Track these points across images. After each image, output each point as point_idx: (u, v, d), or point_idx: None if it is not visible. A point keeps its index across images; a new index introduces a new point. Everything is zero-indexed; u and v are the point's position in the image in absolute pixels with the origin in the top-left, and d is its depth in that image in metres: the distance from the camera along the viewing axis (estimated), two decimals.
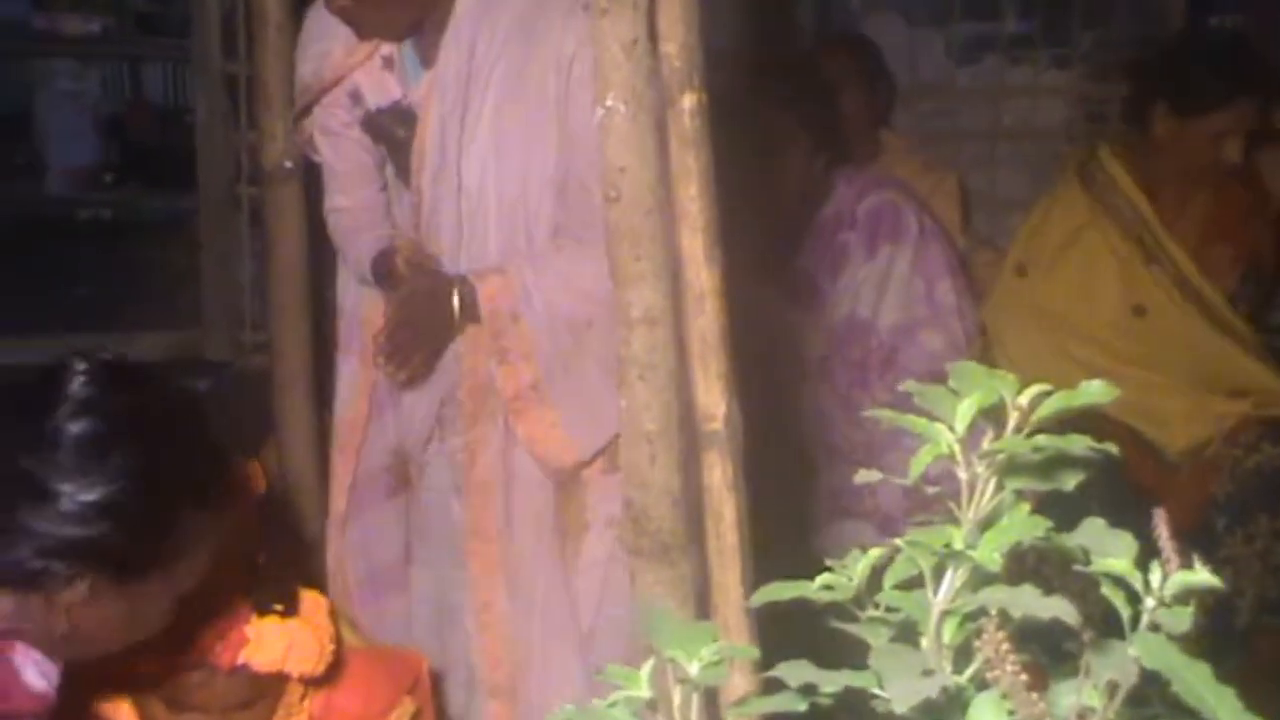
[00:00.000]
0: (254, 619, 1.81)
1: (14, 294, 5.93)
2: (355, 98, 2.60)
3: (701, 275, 1.70)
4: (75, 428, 1.56)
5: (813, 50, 4.32)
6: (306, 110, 2.66)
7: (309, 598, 1.82)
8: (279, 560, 1.76)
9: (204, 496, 1.63)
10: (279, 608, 1.78)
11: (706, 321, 1.72)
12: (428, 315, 2.45)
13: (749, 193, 2.41)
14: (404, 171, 2.59)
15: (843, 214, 3.48)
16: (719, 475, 1.74)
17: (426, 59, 2.53)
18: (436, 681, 2.37)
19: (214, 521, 1.63)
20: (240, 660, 1.85)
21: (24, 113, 7.68)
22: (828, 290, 3.48)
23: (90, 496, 1.53)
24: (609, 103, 1.61)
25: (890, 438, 3.32)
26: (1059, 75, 5.19)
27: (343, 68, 2.58)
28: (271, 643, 1.81)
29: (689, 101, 1.63)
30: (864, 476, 0.96)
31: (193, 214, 5.55)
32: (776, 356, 3.36)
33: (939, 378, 3.05)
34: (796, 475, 3.37)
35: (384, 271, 2.55)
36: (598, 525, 2.58)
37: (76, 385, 1.58)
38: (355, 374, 2.70)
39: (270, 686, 1.91)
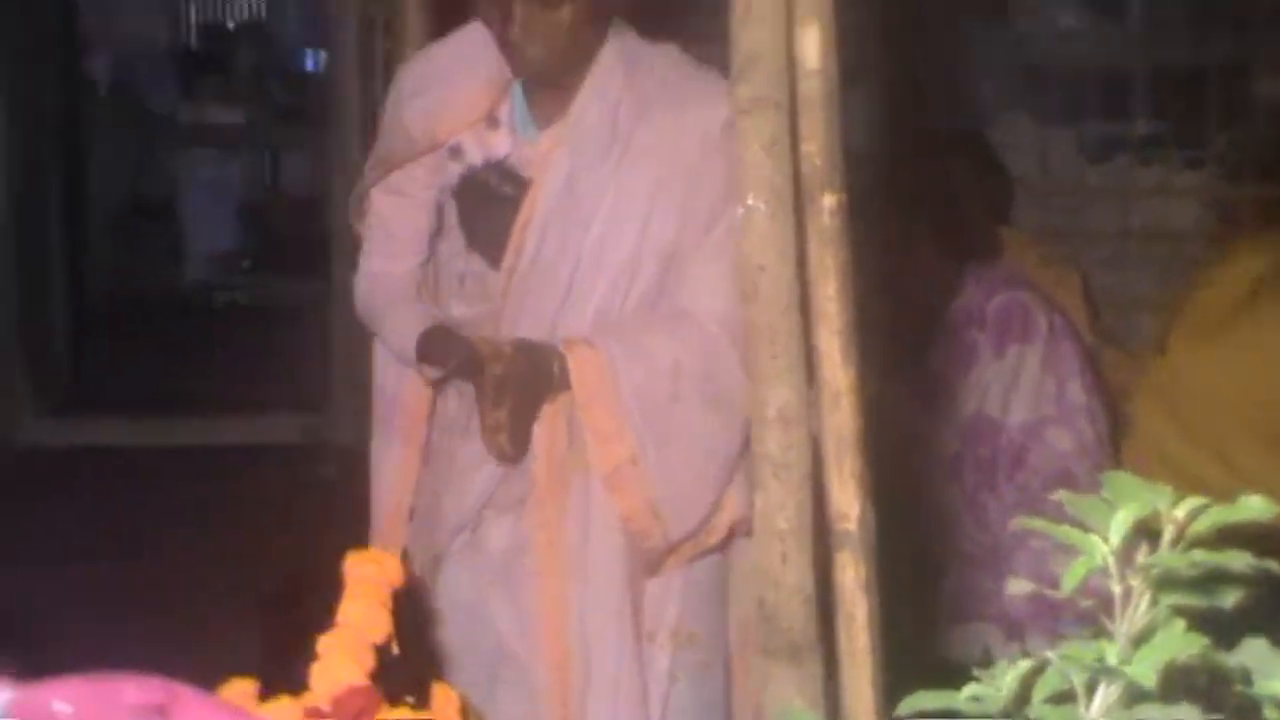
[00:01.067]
0: (385, 709, 1.81)
1: (154, 374, 6.08)
2: (455, 153, 2.52)
3: (838, 374, 1.69)
4: None
5: (931, 148, 4.33)
6: (393, 167, 2.56)
7: (440, 690, 1.81)
8: (410, 650, 1.76)
9: None
10: (410, 700, 1.78)
11: (842, 420, 1.70)
12: (533, 390, 2.38)
13: (879, 290, 2.40)
14: (484, 236, 2.51)
15: (972, 312, 3.46)
16: (851, 576, 1.72)
17: (542, 117, 2.49)
18: None
19: None
20: None
21: (169, 199, 7.94)
22: (956, 388, 3.46)
23: None
24: (749, 201, 1.62)
25: (1016, 540, 3.26)
26: (1191, 176, 5.13)
27: (460, 121, 2.49)
28: None
29: (829, 201, 1.63)
30: (1016, 587, 0.95)
31: (325, 300, 5.65)
32: (903, 456, 3.33)
33: (1068, 479, 2.98)
34: (920, 577, 3.33)
35: (432, 351, 2.45)
36: (660, 636, 2.49)
37: None
38: (397, 462, 2.60)
39: None
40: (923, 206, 3.41)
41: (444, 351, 2.43)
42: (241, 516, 4.51)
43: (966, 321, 3.45)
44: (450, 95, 2.50)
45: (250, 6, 8.53)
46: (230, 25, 8.48)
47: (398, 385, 2.61)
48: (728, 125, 2.37)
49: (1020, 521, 0.95)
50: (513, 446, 2.37)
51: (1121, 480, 0.89)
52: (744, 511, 2.48)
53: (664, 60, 2.47)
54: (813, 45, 1.52)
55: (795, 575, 1.71)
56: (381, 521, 2.63)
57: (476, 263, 2.53)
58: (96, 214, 7.60)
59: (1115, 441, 3.48)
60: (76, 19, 7.48)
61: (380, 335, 2.62)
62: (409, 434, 2.59)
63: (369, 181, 2.61)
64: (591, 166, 2.42)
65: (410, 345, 2.48)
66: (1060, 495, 0.89)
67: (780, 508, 1.71)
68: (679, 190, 2.39)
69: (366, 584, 1.67)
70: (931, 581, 3.41)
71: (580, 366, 2.38)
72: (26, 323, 5.53)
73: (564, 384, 2.39)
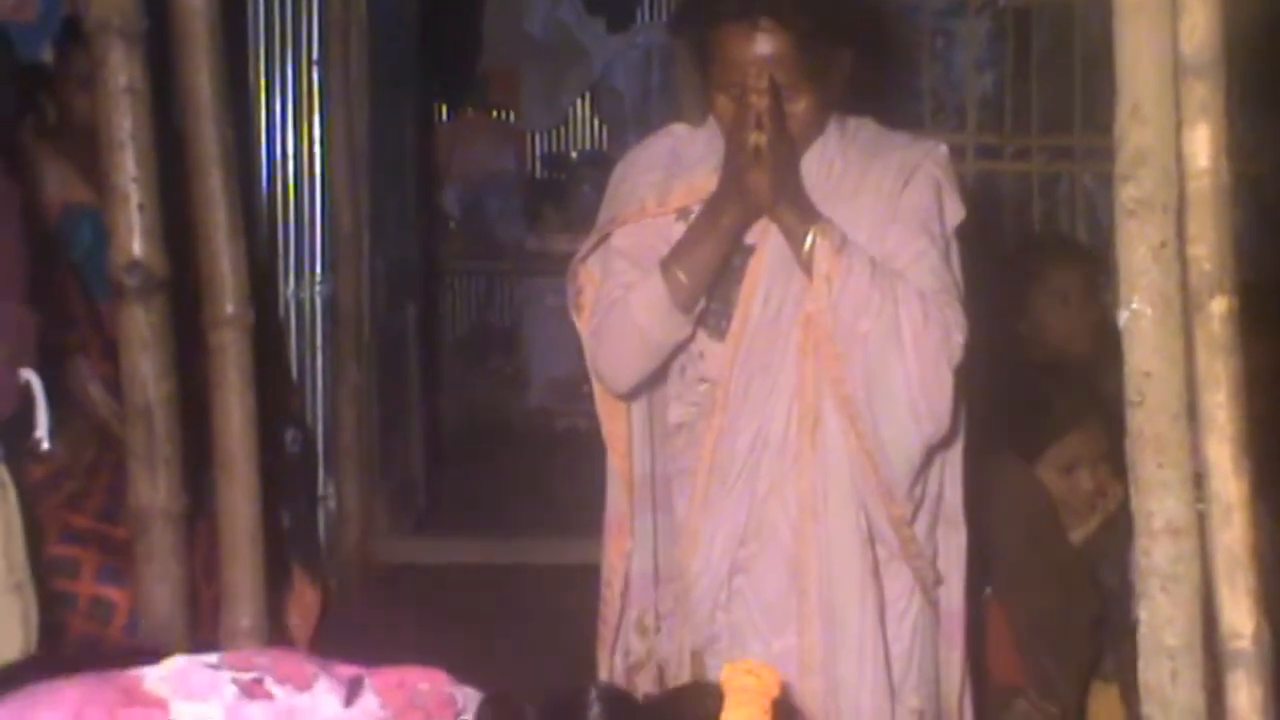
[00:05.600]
0: None
1: (497, 496, 6.25)
2: (684, 215, 2.61)
3: (1229, 486, 1.63)
4: None
5: None
6: (619, 225, 2.66)
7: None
8: None
9: None
10: None
11: (1233, 534, 1.64)
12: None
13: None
14: (709, 307, 2.60)
15: None
16: (1245, 697, 1.65)
17: None
18: None
19: None
20: None
21: (514, 327, 8.22)
22: None
23: None
24: (1134, 305, 1.59)
25: None
26: None
27: (691, 195, 2.61)
28: None
29: (1219, 306, 1.59)
30: None
31: None
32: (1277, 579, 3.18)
33: None
34: None
35: (681, 246, 2.54)
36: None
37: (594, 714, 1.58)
38: (621, 571, 2.75)
39: None
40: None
41: (699, 228, 2.54)
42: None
43: None
44: (683, 172, 2.64)
45: (592, 137, 8.81)
46: (573, 155, 8.74)
47: (642, 457, 2.73)
48: (926, 162, 2.57)
49: None
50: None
51: None
52: (950, 497, 2.64)
53: (866, 128, 2.67)
54: (1203, 144, 1.49)
55: (1185, 694, 1.65)
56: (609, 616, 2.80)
57: (699, 343, 2.62)
58: (448, 342, 7.92)
59: None
60: (434, 153, 7.86)
61: (629, 325, 2.61)
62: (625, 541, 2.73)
63: (592, 243, 2.68)
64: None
65: (659, 286, 2.54)
66: None
67: (1169, 622, 1.65)
68: (885, 214, 2.56)
69: (746, 693, 1.67)
70: None
71: (824, 253, 2.49)
72: (386, 447, 5.75)
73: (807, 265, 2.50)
